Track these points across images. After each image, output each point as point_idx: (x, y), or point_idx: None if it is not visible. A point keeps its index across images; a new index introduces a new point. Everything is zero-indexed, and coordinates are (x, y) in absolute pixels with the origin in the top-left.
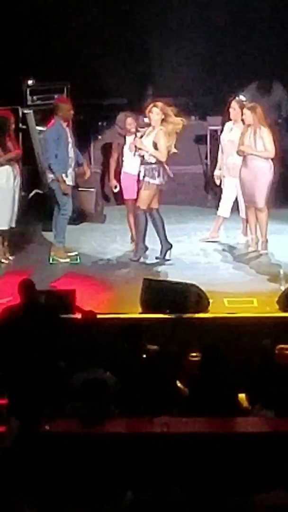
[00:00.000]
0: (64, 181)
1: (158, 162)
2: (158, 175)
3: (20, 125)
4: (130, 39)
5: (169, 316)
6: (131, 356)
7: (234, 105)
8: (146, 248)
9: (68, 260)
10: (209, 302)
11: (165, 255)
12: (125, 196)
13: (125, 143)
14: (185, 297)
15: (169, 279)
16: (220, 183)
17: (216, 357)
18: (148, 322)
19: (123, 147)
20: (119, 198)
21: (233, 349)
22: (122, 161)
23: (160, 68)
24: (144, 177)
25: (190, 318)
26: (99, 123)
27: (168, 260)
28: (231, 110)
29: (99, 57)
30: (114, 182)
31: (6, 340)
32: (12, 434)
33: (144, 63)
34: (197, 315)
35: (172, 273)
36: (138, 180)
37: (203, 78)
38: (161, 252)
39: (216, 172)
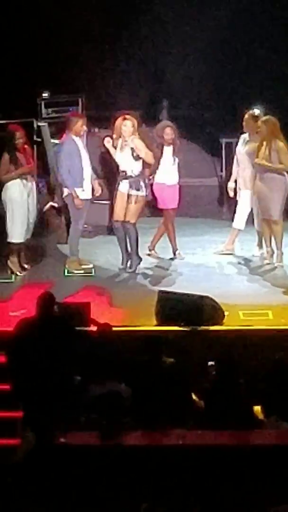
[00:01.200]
0: (78, 196)
1: (140, 174)
2: (145, 187)
3: (35, 138)
4: (144, 52)
5: (184, 329)
6: (146, 368)
7: (248, 118)
8: (140, 259)
9: (82, 271)
10: (224, 315)
11: (135, 269)
12: (162, 206)
13: (162, 153)
14: (200, 309)
15: (184, 291)
16: (235, 196)
17: (231, 369)
18: (163, 335)
19: (160, 158)
20: None
21: (248, 362)
22: (157, 170)
23: (175, 80)
24: (131, 190)
25: (205, 331)
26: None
27: (137, 273)
28: (245, 123)
29: (113, 70)
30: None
31: (21, 352)
32: (27, 447)
33: (158, 76)
34: (212, 328)
35: (187, 285)
36: (176, 189)
37: (218, 90)
38: (131, 265)
39: (230, 185)
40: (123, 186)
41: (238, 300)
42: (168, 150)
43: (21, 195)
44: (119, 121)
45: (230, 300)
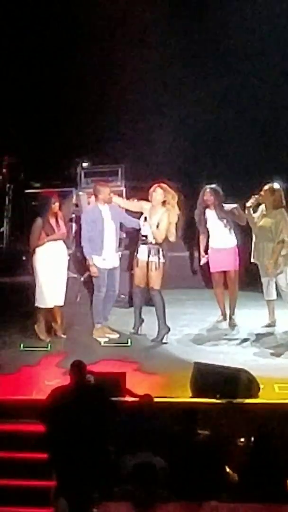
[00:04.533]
0: (94, 264)
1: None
2: (163, 254)
3: (75, 207)
4: (181, 123)
5: (219, 401)
6: (181, 440)
7: (268, 191)
8: (168, 329)
9: (105, 340)
10: (259, 388)
11: (162, 338)
12: (212, 270)
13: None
14: (235, 382)
15: (219, 363)
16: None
17: (266, 443)
18: (198, 407)
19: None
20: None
21: (283, 436)
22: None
23: (211, 154)
24: (150, 256)
25: (240, 404)
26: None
27: (166, 343)
28: (264, 195)
29: (154, 142)
30: (204, 256)
31: (55, 421)
32: None
33: (197, 148)
34: (247, 401)
35: (223, 358)
36: (230, 253)
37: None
38: (158, 335)
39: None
40: (144, 253)
41: (274, 373)
42: (210, 214)
43: (49, 261)
44: (152, 188)
45: (265, 373)
